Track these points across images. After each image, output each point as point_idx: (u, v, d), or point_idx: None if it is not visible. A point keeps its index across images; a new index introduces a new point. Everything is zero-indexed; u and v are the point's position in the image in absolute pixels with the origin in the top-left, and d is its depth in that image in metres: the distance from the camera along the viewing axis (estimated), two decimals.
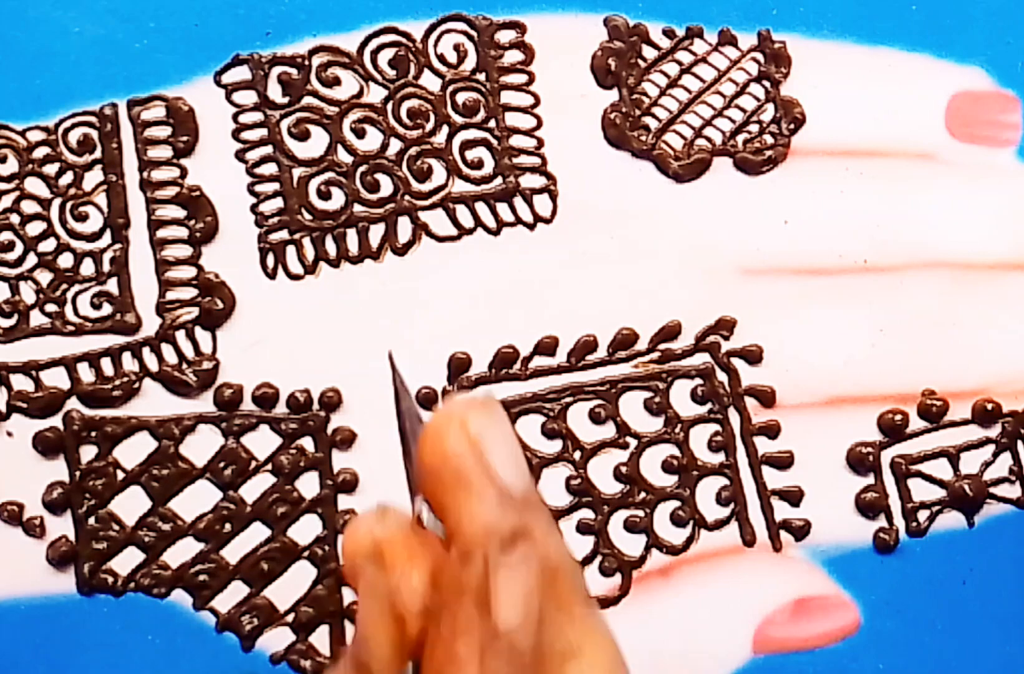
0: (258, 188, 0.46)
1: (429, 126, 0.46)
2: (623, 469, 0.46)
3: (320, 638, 0.44)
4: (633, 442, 0.46)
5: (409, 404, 0.36)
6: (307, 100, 0.46)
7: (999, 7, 0.48)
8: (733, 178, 0.47)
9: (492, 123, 0.47)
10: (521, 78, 0.47)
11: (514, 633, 0.29)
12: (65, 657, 0.44)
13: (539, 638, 0.29)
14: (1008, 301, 0.48)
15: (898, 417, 0.47)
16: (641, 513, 0.46)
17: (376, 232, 0.46)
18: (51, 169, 0.46)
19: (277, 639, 0.45)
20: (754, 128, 0.47)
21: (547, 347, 0.46)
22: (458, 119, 0.47)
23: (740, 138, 0.47)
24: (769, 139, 0.47)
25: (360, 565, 0.30)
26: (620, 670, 0.32)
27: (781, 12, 0.48)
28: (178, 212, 0.46)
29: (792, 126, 0.47)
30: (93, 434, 0.45)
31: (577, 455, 0.46)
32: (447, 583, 0.29)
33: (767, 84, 0.48)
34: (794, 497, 0.46)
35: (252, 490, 0.45)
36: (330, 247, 0.46)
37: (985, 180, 0.48)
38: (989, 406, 0.47)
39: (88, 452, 0.45)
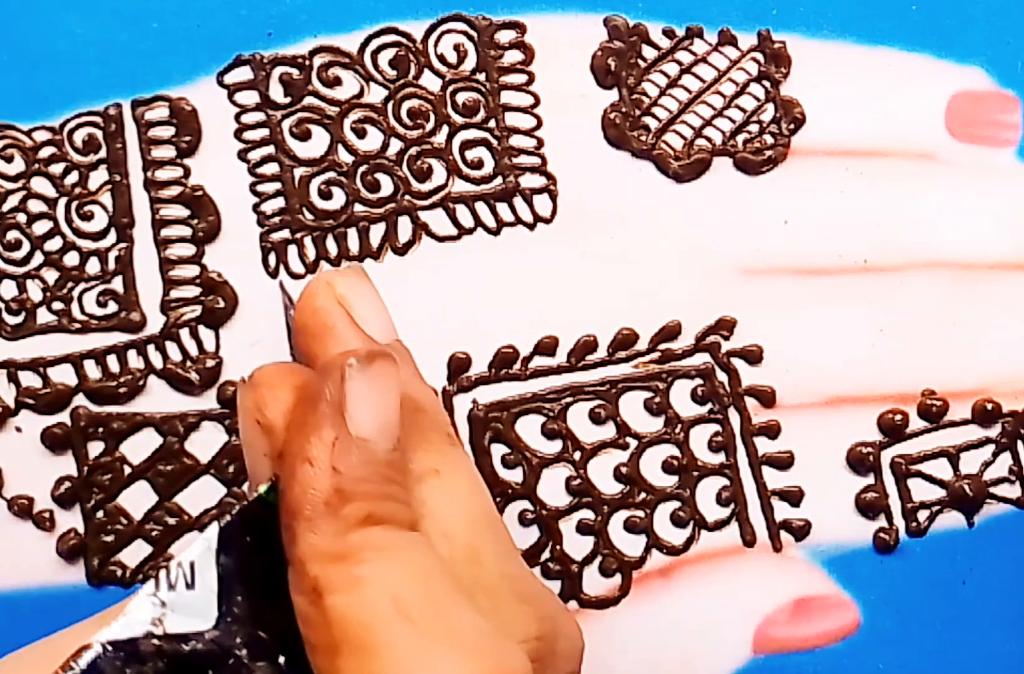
0: (260, 188, 0.46)
1: (429, 126, 0.46)
2: (623, 469, 0.46)
3: None
4: (633, 442, 0.46)
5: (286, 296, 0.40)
6: (308, 100, 0.46)
7: (999, 7, 0.48)
8: (733, 178, 0.47)
9: (492, 123, 0.47)
10: (521, 78, 0.47)
11: (367, 440, 0.29)
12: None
13: (399, 453, 0.30)
14: (1008, 301, 0.47)
15: (898, 417, 0.47)
16: (641, 513, 0.46)
17: (377, 232, 0.46)
18: (57, 169, 0.46)
19: None
20: (754, 128, 0.47)
21: (547, 347, 0.46)
22: (458, 119, 0.47)
23: (740, 138, 0.47)
24: (769, 139, 0.47)
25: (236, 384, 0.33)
26: (479, 491, 0.33)
27: (781, 12, 0.47)
28: (181, 211, 0.46)
29: (792, 126, 0.47)
30: (100, 430, 0.45)
31: (577, 455, 0.46)
32: (307, 395, 0.30)
33: (767, 84, 0.47)
34: (794, 497, 0.46)
35: None
36: (331, 246, 0.46)
37: (985, 180, 0.48)
38: (989, 406, 0.47)
39: (95, 448, 0.45)
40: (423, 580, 0.29)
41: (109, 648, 0.28)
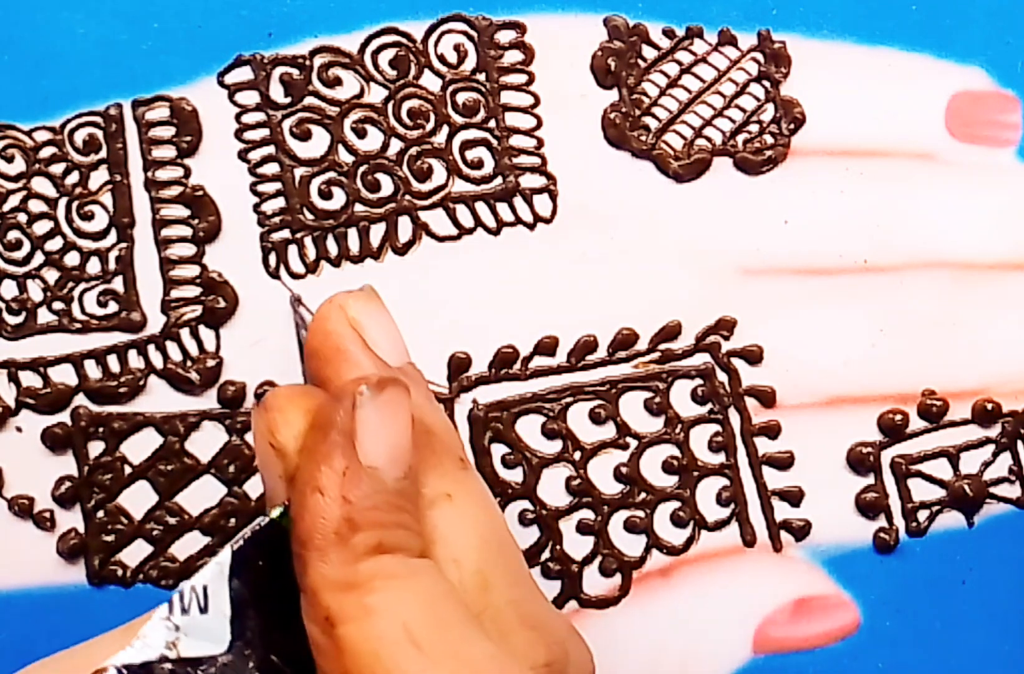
0: (260, 188, 0.46)
1: (429, 126, 0.46)
2: (623, 469, 0.46)
3: None
4: (633, 442, 0.46)
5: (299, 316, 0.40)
6: (308, 100, 0.46)
7: (999, 7, 0.48)
8: (733, 178, 0.47)
9: (492, 123, 0.47)
10: (521, 78, 0.47)
11: (378, 469, 0.30)
12: (77, 644, 0.44)
13: (409, 481, 0.30)
14: (1008, 301, 0.47)
15: (898, 417, 0.47)
16: (641, 513, 0.46)
17: (377, 232, 0.46)
18: (57, 169, 0.46)
19: None
20: (754, 128, 0.47)
21: (547, 347, 0.46)
22: (458, 119, 0.47)
23: (740, 138, 0.47)
24: (769, 139, 0.47)
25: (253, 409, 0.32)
26: (490, 516, 0.33)
27: (781, 12, 0.47)
28: (182, 211, 0.46)
29: (792, 126, 0.47)
30: (100, 430, 0.45)
31: (577, 455, 0.46)
32: (319, 422, 0.31)
33: (767, 84, 0.47)
34: (794, 497, 0.46)
35: (256, 486, 0.45)
36: (331, 246, 0.46)
37: (985, 180, 0.48)
38: (989, 406, 0.47)
39: (96, 447, 0.45)
40: (433, 608, 0.29)
41: (124, 671, 0.28)
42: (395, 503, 0.30)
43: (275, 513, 0.30)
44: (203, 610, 0.29)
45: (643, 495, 0.46)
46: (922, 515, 0.47)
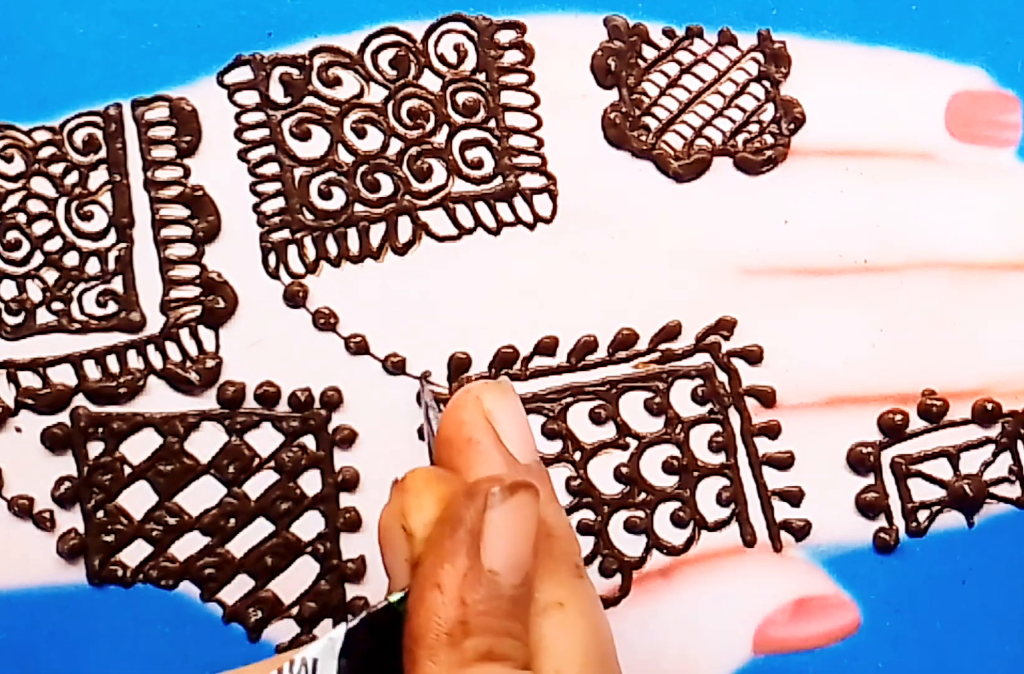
0: (260, 188, 0.46)
1: (429, 126, 0.46)
2: (623, 470, 0.46)
3: (324, 631, 0.45)
4: (633, 442, 0.46)
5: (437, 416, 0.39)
6: (308, 100, 0.46)
7: (999, 7, 0.48)
8: (733, 178, 0.47)
9: (492, 123, 0.47)
10: (521, 78, 0.47)
11: (498, 574, 0.30)
12: (77, 645, 0.45)
13: (526, 588, 0.31)
14: (1008, 301, 0.47)
15: (898, 417, 0.47)
16: (641, 514, 0.46)
17: (377, 232, 0.46)
18: (57, 169, 0.46)
19: (283, 630, 0.45)
20: (754, 128, 0.47)
21: (547, 347, 0.46)
22: (458, 119, 0.47)
23: (740, 138, 0.47)
24: (769, 139, 0.47)
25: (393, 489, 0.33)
26: (598, 629, 0.33)
27: (781, 12, 0.47)
28: (181, 211, 0.46)
29: (792, 126, 0.47)
30: (100, 430, 0.45)
31: (577, 455, 0.46)
32: (449, 516, 0.31)
33: (767, 84, 0.47)
34: (794, 497, 0.46)
35: (255, 486, 0.46)
36: (331, 246, 0.46)
37: (985, 180, 0.48)
38: (989, 406, 0.47)
39: (95, 448, 0.45)
40: None
41: None
42: (509, 610, 0.30)
43: (394, 598, 0.31)
44: None
45: (643, 495, 0.46)
46: (922, 515, 0.47)
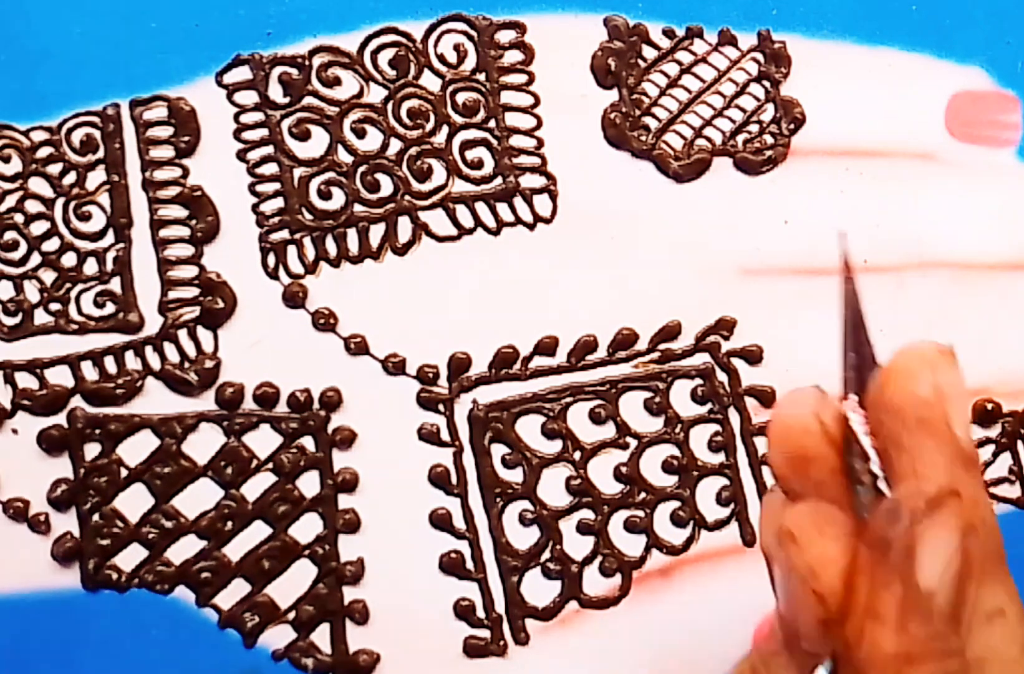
0: (259, 188, 0.46)
1: (429, 126, 0.46)
2: (623, 469, 0.46)
3: (321, 636, 0.44)
4: (633, 442, 0.46)
5: (853, 290, 0.36)
6: (308, 100, 0.46)
7: (999, 7, 0.48)
8: (733, 178, 0.47)
9: (492, 123, 0.47)
10: (521, 78, 0.47)
11: (934, 593, 0.29)
12: (71, 650, 0.44)
13: (960, 598, 0.29)
14: (1008, 301, 0.47)
15: None
16: (641, 513, 0.46)
17: (376, 232, 0.46)
18: (54, 169, 0.46)
19: (279, 636, 0.45)
20: (754, 128, 0.47)
21: (547, 347, 0.46)
22: (458, 119, 0.47)
23: (740, 138, 0.47)
24: (769, 139, 0.47)
25: (770, 546, 0.31)
26: None
27: (781, 12, 0.47)
28: (180, 212, 0.46)
29: (792, 126, 0.47)
30: (97, 432, 0.45)
31: (577, 455, 0.46)
32: (871, 539, 0.29)
33: (767, 84, 0.48)
34: None
35: (253, 489, 0.45)
36: (330, 247, 0.46)
37: (985, 180, 0.48)
38: (989, 406, 0.47)
39: (92, 450, 0.45)
40: None
41: None
42: (948, 628, 0.29)
43: (821, 671, 0.30)
44: None
45: (643, 495, 0.46)
46: None
